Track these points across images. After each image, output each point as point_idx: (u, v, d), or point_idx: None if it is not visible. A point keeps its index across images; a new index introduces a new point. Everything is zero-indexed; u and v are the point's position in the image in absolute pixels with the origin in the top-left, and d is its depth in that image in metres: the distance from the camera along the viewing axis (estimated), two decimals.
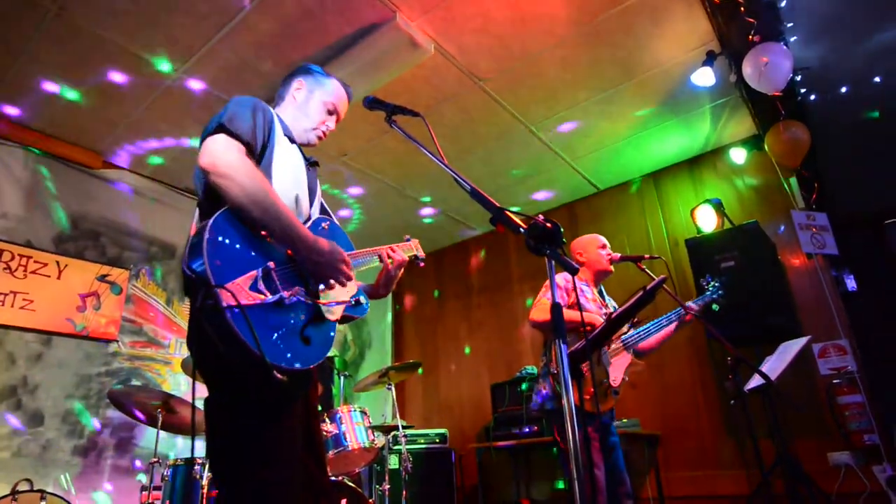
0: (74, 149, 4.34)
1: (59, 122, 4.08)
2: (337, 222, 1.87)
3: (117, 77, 3.66)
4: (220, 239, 1.40)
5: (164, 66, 3.58)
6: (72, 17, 3.18)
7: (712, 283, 3.13)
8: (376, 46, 3.38)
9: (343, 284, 1.62)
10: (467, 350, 6.10)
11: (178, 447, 4.40)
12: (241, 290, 1.36)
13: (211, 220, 1.40)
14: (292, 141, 1.81)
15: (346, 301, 1.67)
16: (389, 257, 1.92)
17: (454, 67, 3.75)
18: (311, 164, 1.89)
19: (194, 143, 4.37)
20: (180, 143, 4.40)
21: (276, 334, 1.41)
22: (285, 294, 1.44)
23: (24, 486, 3.19)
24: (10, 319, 3.78)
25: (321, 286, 1.61)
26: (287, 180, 1.68)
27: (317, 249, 1.54)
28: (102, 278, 4.32)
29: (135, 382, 4.29)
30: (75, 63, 3.53)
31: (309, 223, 1.74)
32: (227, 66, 3.61)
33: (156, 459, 3.13)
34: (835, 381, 3.80)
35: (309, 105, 1.89)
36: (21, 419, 3.72)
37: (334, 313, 1.63)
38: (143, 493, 3.17)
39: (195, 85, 3.78)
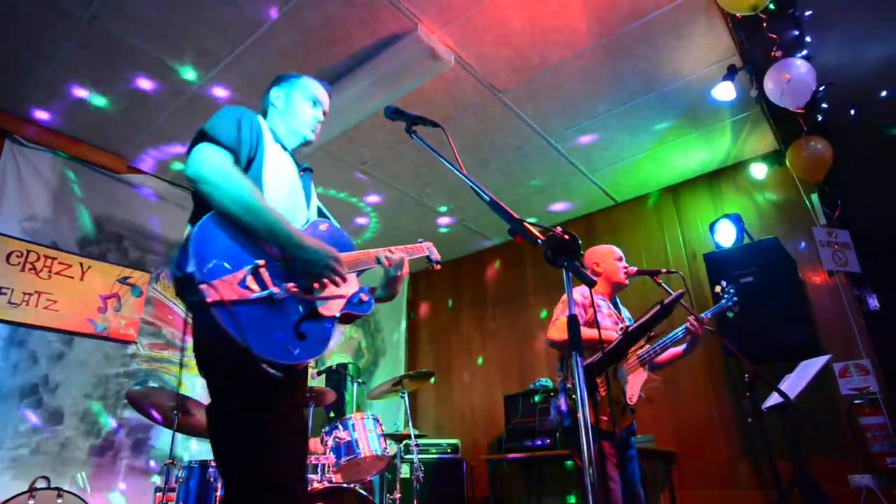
0: (100, 153, 4.44)
1: (87, 127, 4.18)
2: (336, 224, 1.88)
3: (144, 84, 3.75)
4: (207, 240, 1.43)
5: (190, 74, 3.66)
6: (103, 26, 3.27)
7: (727, 290, 2.97)
8: (398, 57, 3.42)
9: (336, 283, 1.60)
10: (480, 361, 6.08)
11: (193, 449, 4.44)
12: (228, 287, 1.38)
13: (199, 223, 1.45)
14: (284, 148, 1.86)
15: (342, 294, 1.63)
16: (387, 259, 1.85)
17: (473, 78, 3.78)
18: (303, 169, 1.93)
19: None
20: None
21: (267, 329, 1.42)
22: (275, 290, 1.45)
23: (41, 484, 3.24)
24: (34, 319, 3.87)
25: (316, 284, 1.59)
26: (280, 185, 1.71)
27: (305, 247, 1.54)
28: (123, 280, 4.40)
29: (152, 384, 4.34)
30: (104, 70, 3.62)
31: (306, 225, 1.77)
32: (252, 74, 3.68)
33: (171, 461, 3.16)
34: (856, 402, 3.71)
35: (291, 105, 1.95)
36: (41, 417, 3.79)
37: (331, 308, 1.61)
38: (158, 494, 3.20)
39: (220, 93, 3.85)
